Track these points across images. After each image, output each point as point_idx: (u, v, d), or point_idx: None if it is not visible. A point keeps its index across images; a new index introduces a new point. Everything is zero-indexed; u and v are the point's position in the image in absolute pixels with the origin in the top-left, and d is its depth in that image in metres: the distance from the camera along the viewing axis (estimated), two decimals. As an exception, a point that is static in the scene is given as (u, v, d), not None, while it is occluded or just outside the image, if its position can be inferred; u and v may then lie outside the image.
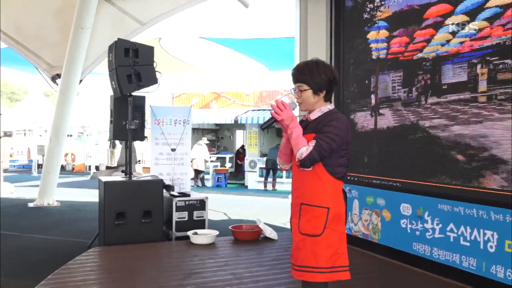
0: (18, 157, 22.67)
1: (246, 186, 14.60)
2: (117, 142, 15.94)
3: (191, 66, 15.61)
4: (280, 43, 11.76)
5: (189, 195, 5.95)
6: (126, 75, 5.37)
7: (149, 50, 5.67)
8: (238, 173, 16.44)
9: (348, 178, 4.97)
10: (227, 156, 16.09)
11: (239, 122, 14.96)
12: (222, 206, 9.47)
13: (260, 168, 14.24)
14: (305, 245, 2.26)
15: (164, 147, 7.28)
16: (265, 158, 13.96)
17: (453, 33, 3.87)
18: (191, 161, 12.20)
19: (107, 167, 16.50)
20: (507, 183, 3.39)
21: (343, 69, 5.29)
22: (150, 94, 5.82)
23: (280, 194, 12.32)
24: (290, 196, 2.58)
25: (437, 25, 4.02)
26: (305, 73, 2.30)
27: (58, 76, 9.70)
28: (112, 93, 5.75)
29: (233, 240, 5.39)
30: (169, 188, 6.08)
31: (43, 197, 9.25)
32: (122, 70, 5.35)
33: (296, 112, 2.37)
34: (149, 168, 7.97)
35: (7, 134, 19.35)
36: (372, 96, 4.86)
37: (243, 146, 16.75)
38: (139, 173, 12.99)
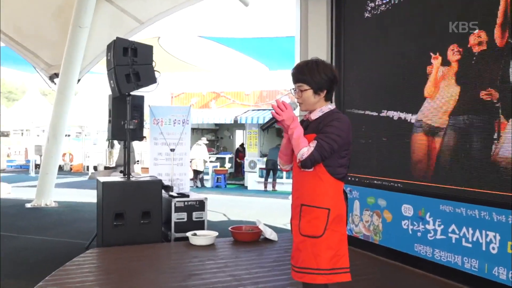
0: (15, 157, 22.66)
1: (246, 187, 14.59)
2: (115, 142, 15.94)
3: (190, 65, 15.61)
4: (280, 42, 11.76)
5: (188, 196, 5.94)
6: (125, 75, 5.36)
7: (148, 49, 5.67)
8: (237, 173, 16.44)
9: (349, 178, 4.97)
10: (227, 157, 16.09)
11: (238, 122, 14.96)
12: (222, 207, 9.46)
13: (260, 168, 14.24)
14: (305, 247, 2.26)
15: (163, 147, 7.27)
16: (265, 159, 13.96)
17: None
18: (190, 162, 12.19)
19: (106, 168, 16.51)
20: (510, 184, 3.39)
21: (344, 68, 5.29)
22: (149, 94, 5.82)
23: (280, 195, 12.32)
24: (290, 197, 2.58)
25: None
26: (305, 73, 2.30)
27: (56, 75, 9.70)
28: (110, 93, 5.75)
29: (233, 241, 5.39)
30: (168, 188, 6.08)
31: (40, 197, 9.25)
32: (121, 69, 5.35)
33: (297, 112, 2.37)
34: (148, 168, 7.96)
35: (5, 134, 19.37)
36: (373, 96, 4.86)
37: (242, 144, 16.75)
38: (138, 173, 13.01)
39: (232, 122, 15.15)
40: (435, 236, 4.00)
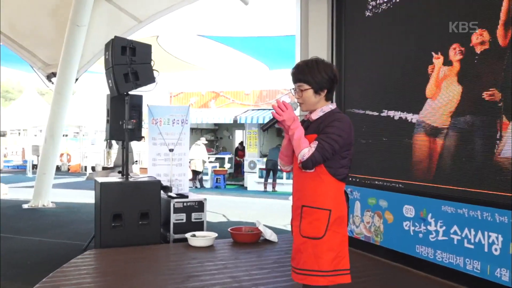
0: (12, 157, 22.66)
1: (246, 187, 14.60)
2: (113, 142, 15.92)
3: (189, 64, 15.61)
4: (281, 41, 11.76)
5: (187, 197, 5.95)
6: (123, 74, 5.37)
7: (147, 48, 5.67)
8: (237, 174, 16.44)
9: (350, 179, 4.97)
10: (226, 157, 16.09)
11: (238, 122, 14.97)
12: (221, 207, 9.46)
13: (260, 169, 14.24)
14: (306, 248, 2.26)
15: (161, 148, 7.27)
16: (265, 159, 13.96)
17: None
18: (189, 162, 12.20)
19: (104, 168, 16.51)
20: (512, 185, 3.39)
21: (345, 67, 5.29)
22: (147, 93, 5.82)
23: (280, 196, 12.33)
24: (290, 197, 2.58)
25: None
26: (305, 72, 2.30)
27: (54, 74, 9.70)
28: (108, 92, 5.75)
29: (232, 243, 5.39)
30: (167, 189, 6.08)
31: (38, 198, 9.25)
32: (119, 68, 5.35)
33: (297, 112, 2.37)
34: (146, 169, 7.96)
35: (1, 134, 19.35)
36: (374, 96, 4.86)
37: (242, 142, 16.76)
38: (136, 174, 13.00)
39: (232, 122, 15.16)
40: (437, 237, 4.00)
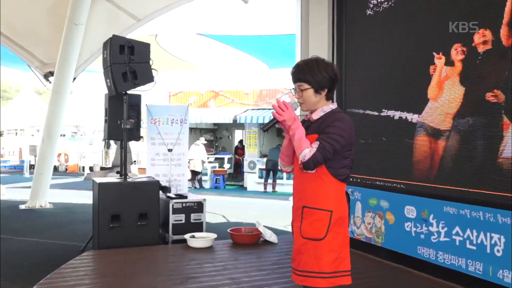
0: (9, 157, 22.66)
1: (245, 188, 14.60)
2: (111, 142, 15.94)
3: (188, 63, 15.61)
4: (281, 40, 11.76)
5: (186, 197, 5.95)
6: (121, 73, 5.37)
7: (145, 47, 5.67)
8: (237, 174, 16.45)
9: (351, 179, 4.97)
10: (226, 157, 16.09)
11: (238, 122, 14.97)
12: (221, 208, 9.47)
13: (260, 169, 14.25)
14: (307, 249, 2.26)
15: (160, 147, 7.28)
16: (265, 159, 13.96)
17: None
18: (188, 162, 12.20)
19: (102, 168, 16.50)
20: (515, 185, 3.40)
21: (345, 67, 5.29)
22: (146, 93, 5.82)
23: (281, 196, 12.33)
24: (290, 198, 2.58)
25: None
26: (305, 72, 2.30)
27: (51, 73, 9.70)
28: (106, 92, 5.76)
29: (232, 244, 5.39)
30: (166, 189, 6.08)
31: (35, 198, 9.25)
32: (117, 67, 5.35)
33: (298, 112, 2.37)
34: (145, 169, 7.97)
35: (-2, 134, 19.34)
36: (375, 95, 4.86)
37: (241, 141, 16.78)
38: (135, 174, 12.99)
39: (231, 121, 15.16)
40: (439, 238, 4.00)
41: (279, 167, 2.44)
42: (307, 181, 2.30)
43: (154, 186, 5.44)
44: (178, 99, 16.74)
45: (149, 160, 7.35)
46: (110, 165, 16.00)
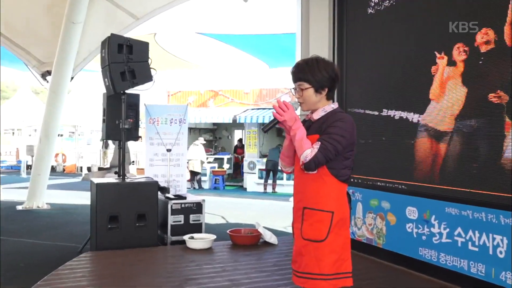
0: (6, 157, 22.65)
1: (245, 188, 14.60)
2: (110, 142, 15.95)
3: (187, 62, 15.62)
4: (281, 39, 11.77)
5: (185, 198, 5.95)
6: (120, 72, 5.36)
7: (144, 46, 5.67)
8: (236, 174, 16.45)
9: (352, 180, 4.97)
10: (225, 157, 16.09)
11: (237, 122, 14.98)
12: (220, 209, 9.47)
13: (260, 169, 14.25)
14: (308, 251, 2.26)
15: (159, 148, 7.27)
16: (264, 159, 13.97)
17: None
18: (187, 162, 12.20)
19: (100, 168, 16.50)
20: (518, 186, 3.40)
21: (346, 66, 5.29)
22: (144, 92, 5.82)
23: (281, 197, 12.33)
24: (291, 199, 2.58)
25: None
26: (305, 71, 2.30)
27: (49, 73, 9.69)
28: (105, 91, 5.75)
29: (231, 245, 5.39)
30: (164, 190, 6.07)
31: (32, 199, 9.24)
32: (116, 67, 5.35)
33: (298, 112, 2.37)
34: (143, 169, 7.97)
35: (-5, 134, 19.33)
36: (376, 95, 4.86)
37: (241, 139, 16.79)
38: (133, 174, 12.99)
39: (231, 121, 15.17)
40: (441, 239, 4.00)
41: (279, 168, 2.43)
42: (308, 182, 2.29)
43: (152, 187, 5.44)
44: (177, 98, 16.74)
45: (148, 160, 7.34)
46: (108, 166, 16.00)
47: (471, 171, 3.79)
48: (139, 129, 6.14)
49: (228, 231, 5.61)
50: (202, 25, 12.23)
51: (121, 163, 5.64)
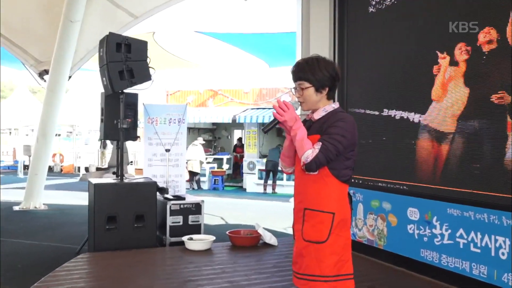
0: (3, 157, 22.60)
1: (245, 189, 14.60)
2: (108, 142, 15.94)
3: (186, 62, 15.62)
4: (281, 38, 11.77)
5: (184, 198, 5.95)
6: (118, 71, 5.37)
7: (142, 45, 5.67)
8: (236, 175, 16.45)
9: (352, 180, 4.97)
10: (225, 157, 16.09)
11: (237, 121, 14.98)
12: (219, 210, 9.47)
13: (259, 170, 14.25)
14: (308, 252, 2.25)
15: (157, 148, 7.28)
16: (264, 160, 13.96)
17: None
18: (186, 163, 12.20)
19: (98, 169, 16.50)
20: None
21: (347, 65, 5.29)
22: (143, 92, 5.82)
23: (281, 198, 12.32)
24: (291, 199, 2.58)
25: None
26: (305, 70, 2.30)
27: (46, 72, 9.69)
28: (103, 90, 5.75)
29: (231, 246, 5.39)
30: (163, 190, 6.08)
31: (29, 200, 9.24)
32: (114, 66, 5.35)
33: (298, 111, 2.37)
34: (142, 169, 7.97)
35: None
36: (377, 95, 4.86)
37: (240, 138, 16.78)
38: (131, 174, 13.00)
39: (230, 121, 15.16)
40: (442, 241, 4.00)
41: (279, 168, 2.43)
42: (309, 182, 2.29)
43: (151, 187, 5.44)
44: (176, 98, 16.73)
45: (146, 160, 7.35)
46: (106, 166, 16.00)
47: (473, 171, 3.79)
48: (138, 129, 6.13)
49: (227, 232, 5.62)
50: (201, 24, 12.23)
51: (119, 163, 5.64)
